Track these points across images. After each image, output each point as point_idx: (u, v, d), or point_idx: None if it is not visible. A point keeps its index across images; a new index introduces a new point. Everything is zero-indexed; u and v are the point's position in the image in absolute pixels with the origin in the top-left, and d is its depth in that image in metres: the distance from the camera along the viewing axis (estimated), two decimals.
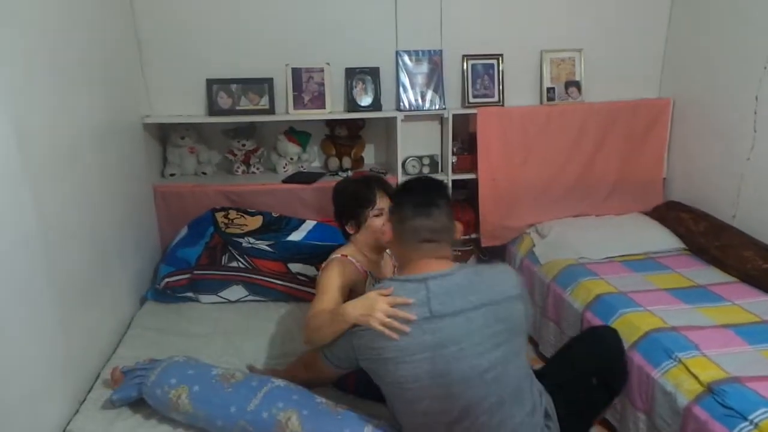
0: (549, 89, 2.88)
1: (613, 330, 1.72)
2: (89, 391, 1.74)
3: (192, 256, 2.36)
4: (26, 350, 1.46)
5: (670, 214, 2.80)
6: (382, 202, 1.83)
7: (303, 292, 2.32)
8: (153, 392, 1.55)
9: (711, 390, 1.60)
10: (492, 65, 2.83)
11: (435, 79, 2.78)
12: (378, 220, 1.81)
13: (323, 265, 1.82)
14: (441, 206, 1.40)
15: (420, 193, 1.43)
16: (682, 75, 2.88)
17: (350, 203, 1.86)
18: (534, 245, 2.77)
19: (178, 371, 1.58)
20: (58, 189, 1.68)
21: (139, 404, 1.64)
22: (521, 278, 1.41)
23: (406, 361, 1.29)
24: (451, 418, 1.33)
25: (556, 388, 1.49)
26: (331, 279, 1.70)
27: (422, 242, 1.38)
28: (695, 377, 1.66)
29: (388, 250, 1.99)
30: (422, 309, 1.30)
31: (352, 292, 1.75)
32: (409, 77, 2.76)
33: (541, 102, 2.91)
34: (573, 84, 2.89)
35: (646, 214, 2.93)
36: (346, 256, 1.82)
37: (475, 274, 1.37)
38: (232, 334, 2.07)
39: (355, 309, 1.38)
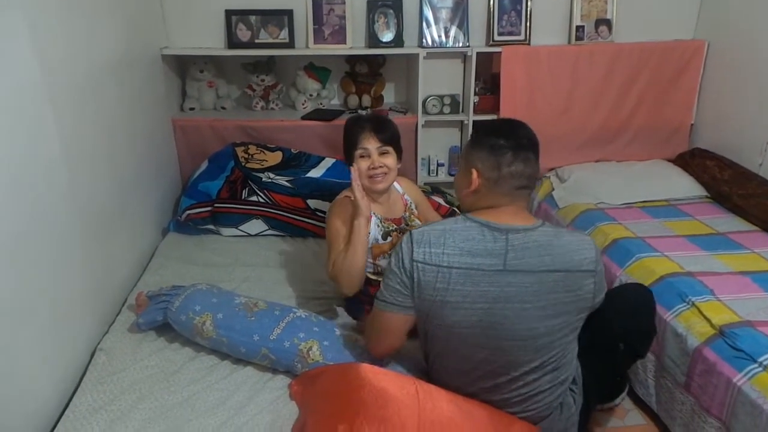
0: (578, 27, 2.76)
1: (646, 288, 1.63)
2: (117, 314, 1.82)
3: (213, 190, 2.39)
4: (55, 275, 1.52)
5: (695, 161, 2.74)
6: (368, 143, 1.72)
7: (321, 228, 2.35)
8: (178, 318, 1.62)
9: (722, 333, 1.61)
10: (520, 0, 2.71)
11: (460, 14, 2.68)
12: (363, 162, 1.73)
13: (329, 207, 1.81)
14: (537, 153, 1.32)
15: (518, 138, 1.31)
16: (719, 16, 2.74)
17: (344, 142, 1.80)
18: (553, 189, 2.75)
19: (203, 299, 1.63)
20: (79, 119, 1.70)
21: (165, 327, 1.71)
22: (600, 253, 1.33)
23: (465, 307, 1.26)
24: (489, 369, 1.32)
25: (581, 352, 1.42)
26: (337, 228, 1.70)
27: (519, 189, 1.30)
28: (708, 320, 1.67)
29: (399, 187, 1.93)
30: (497, 260, 1.24)
31: None
32: (432, 11, 2.67)
33: (569, 41, 2.80)
34: (603, 22, 2.77)
35: (670, 161, 2.87)
36: (350, 197, 1.77)
37: (555, 236, 1.29)
38: (252, 265, 2.13)
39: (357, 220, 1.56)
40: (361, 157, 1.73)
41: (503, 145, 1.29)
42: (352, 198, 1.63)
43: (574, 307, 1.29)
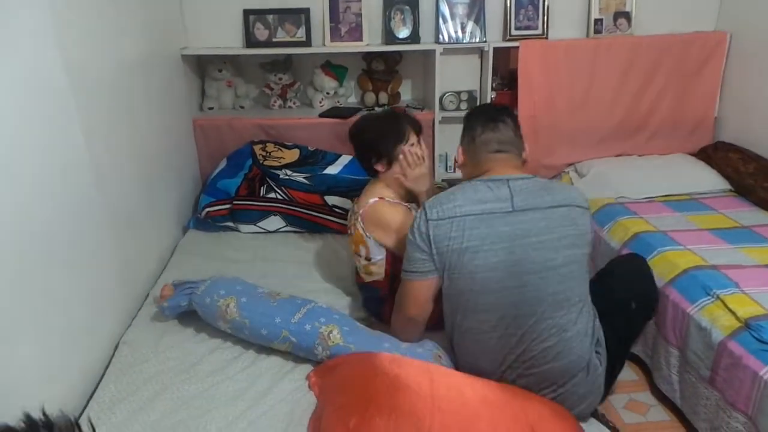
0: (597, 21, 2.73)
1: (638, 255, 1.87)
2: (140, 309, 1.85)
3: (231, 187, 2.42)
4: (83, 270, 1.55)
5: (718, 154, 2.69)
6: (413, 137, 1.77)
7: (338, 224, 2.36)
8: (203, 300, 1.65)
9: (748, 325, 1.58)
10: None
11: (476, 9, 2.67)
12: (416, 148, 1.77)
13: (373, 216, 1.73)
14: (507, 122, 1.53)
15: (486, 112, 1.57)
16: (741, 7, 2.68)
17: (380, 140, 1.77)
18: (572, 184, 2.72)
19: (227, 285, 1.68)
20: (103, 119, 1.73)
21: (186, 321, 1.74)
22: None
23: (484, 249, 1.37)
24: (516, 313, 1.38)
25: (600, 317, 1.54)
26: (399, 227, 1.69)
27: (493, 153, 1.50)
28: (733, 313, 1.64)
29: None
30: (505, 204, 1.40)
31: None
32: (449, 7, 2.66)
33: (588, 35, 2.77)
34: (623, 15, 2.74)
35: (693, 155, 2.82)
36: (383, 198, 1.76)
37: (548, 182, 1.51)
38: (271, 261, 2.15)
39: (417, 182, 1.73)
40: (412, 146, 1.78)
41: (474, 120, 1.56)
42: (409, 176, 1.76)
43: (582, 241, 1.45)
